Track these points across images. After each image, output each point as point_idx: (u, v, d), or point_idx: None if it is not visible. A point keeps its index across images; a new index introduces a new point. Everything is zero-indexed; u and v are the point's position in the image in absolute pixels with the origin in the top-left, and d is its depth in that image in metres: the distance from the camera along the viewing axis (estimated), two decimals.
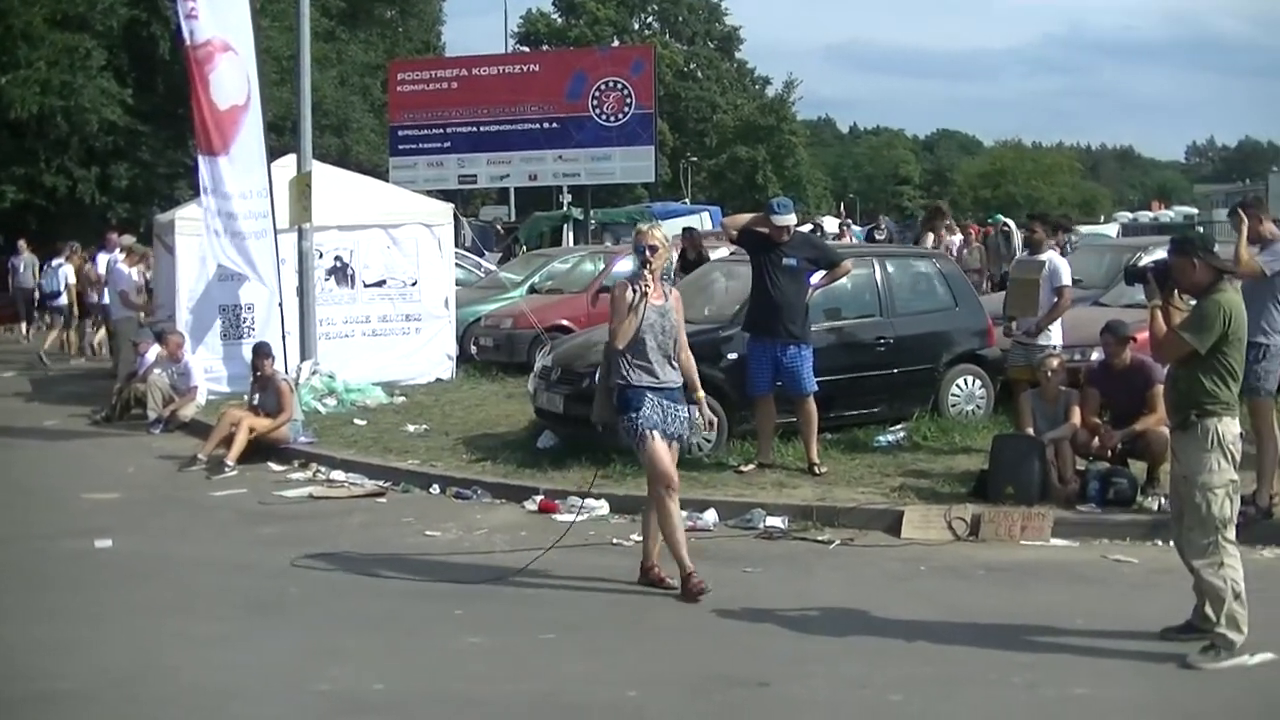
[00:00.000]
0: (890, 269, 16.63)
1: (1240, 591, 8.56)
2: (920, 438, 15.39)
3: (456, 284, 23.31)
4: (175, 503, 14.54)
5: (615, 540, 12.14)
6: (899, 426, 15.71)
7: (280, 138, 21.71)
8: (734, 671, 8.67)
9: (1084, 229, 43.98)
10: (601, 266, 24.49)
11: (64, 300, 29.54)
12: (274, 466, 16.12)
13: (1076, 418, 13.16)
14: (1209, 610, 8.65)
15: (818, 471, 13.98)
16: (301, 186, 19.55)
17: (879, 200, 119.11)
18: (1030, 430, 13.30)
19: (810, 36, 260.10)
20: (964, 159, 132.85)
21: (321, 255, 20.77)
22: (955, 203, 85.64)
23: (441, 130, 39.89)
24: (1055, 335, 14.71)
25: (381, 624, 9.85)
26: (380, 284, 21.67)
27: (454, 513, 13.58)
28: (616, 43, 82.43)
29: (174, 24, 41.81)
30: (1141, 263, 10.34)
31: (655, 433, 10.28)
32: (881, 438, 15.41)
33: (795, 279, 14.10)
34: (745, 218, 15.01)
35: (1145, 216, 59.08)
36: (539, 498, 13.64)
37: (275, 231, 19.06)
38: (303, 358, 19.55)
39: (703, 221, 45.03)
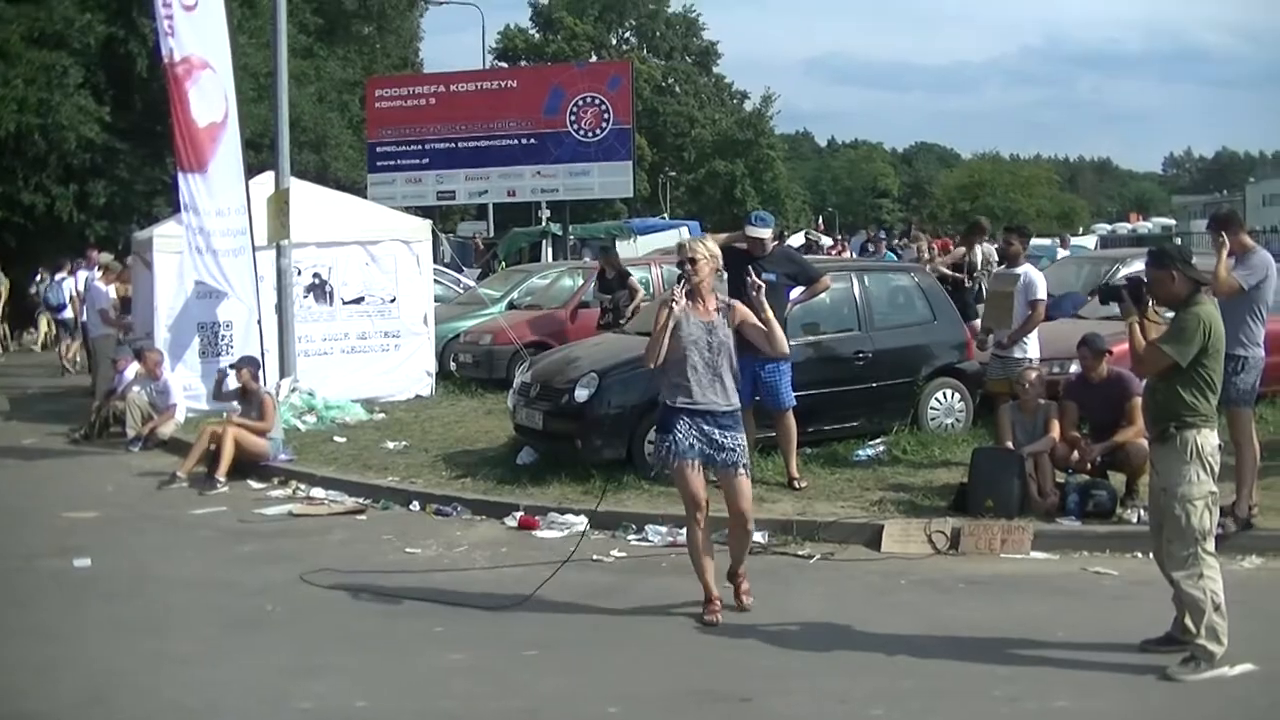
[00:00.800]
0: (869, 283, 16.66)
1: (1220, 603, 8.58)
2: (900, 451, 15.40)
3: (435, 300, 23.33)
4: (154, 521, 14.51)
5: (595, 556, 12.12)
6: (878, 440, 15.72)
7: (258, 155, 21.71)
8: (715, 687, 8.68)
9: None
10: (580, 282, 24.48)
11: (69, 313, 29.57)
12: (254, 484, 16.09)
13: (1055, 431, 13.20)
14: (1189, 622, 8.67)
15: (797, 486, 14.00)
16: (279, 203, 19.53)
17: (858, 213, 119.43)
18: (1009, 443, 13.32)
19: (788, 50, 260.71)
20: (942, 171, 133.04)
21: (300, 272, 20.74)
22: (934, 215, 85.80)
23: (420, 146, 39.83)
24: (1032, 348, 14.77)
25: (363, 641, 9.83)
26: (359, 301, 21.65)
27: (434, 530, 13.57)
28: (594, 58, 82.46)
29: (152, 42, 41.93)
30: (1115, 279, 10.39)
31: (688, 458, 10.11)
32: (861, 451, 15.43)
33: (774, 294, 14.04)
34: (723, 236, 15.02)
35: (1123, 228, 59.30)
36: (519, 514, 13.63)
37: (254, 249, 19.03)
38: (282, 375, 19.53)
39: (681, 236, 45.08)
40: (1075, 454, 13.04)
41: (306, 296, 21.11)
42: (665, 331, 10.13)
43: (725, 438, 10.07)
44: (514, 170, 39.13)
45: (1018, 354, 14.67)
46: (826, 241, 44.23)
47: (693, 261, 10.19)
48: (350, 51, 62.44)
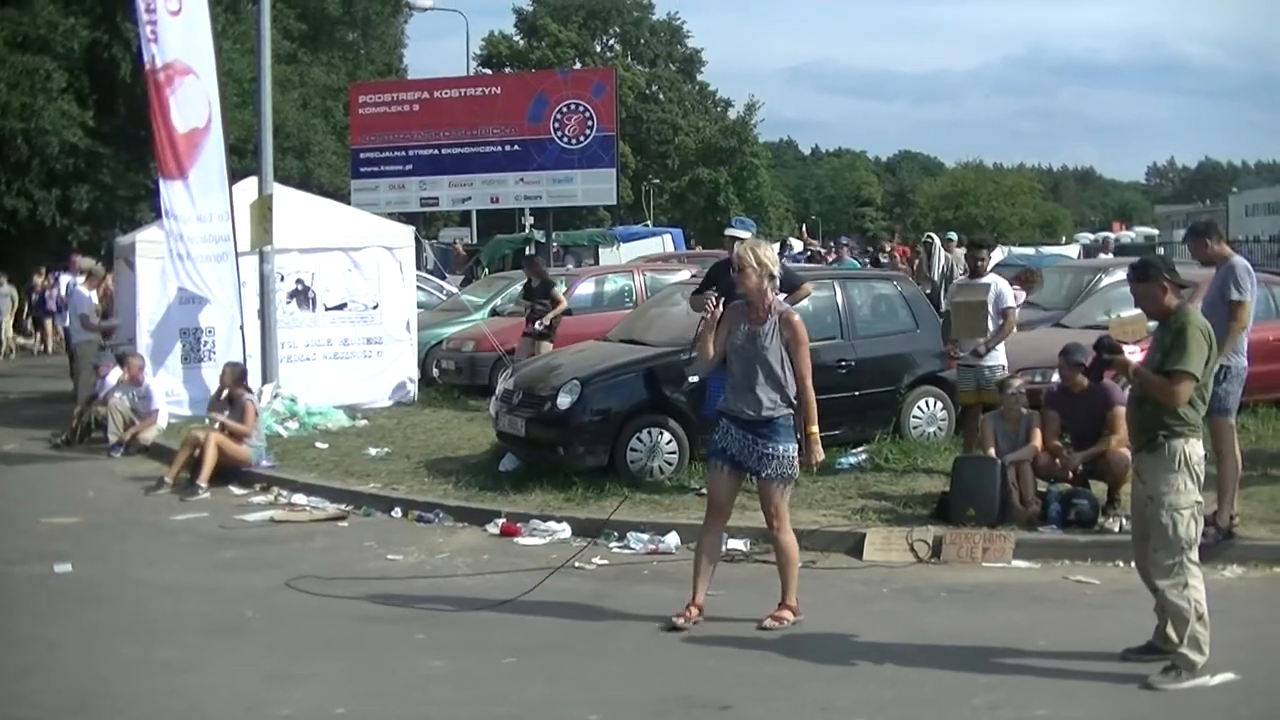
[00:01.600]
0: (851, 291, 16.69)
1: (1203, 613, 8.59)
2: (882, 460, 15.41)
3: (418, 307, 23.31)
4: (136, 527, 14.48)
5: (577, 564, 12.12)
6: (860, 449, 15.72)
7: (241, 160, 21.72)
8: (696, 694, 8.67)
9: (1048, 250, 43.98)
10: (563, 289, 24.47)
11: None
12: (235, 490, 16.07)
13: (1037, 440, 13.22)
14: (1171, 631, 8.68)
15: None
16: (263, 209, 19.53)
17: (841, 222, 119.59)
18: (992, 452, 13.33)
19: (772, 59, 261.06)
20: (926, 180, 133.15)
21: (283, 278, 20.75)
22: (917, 224, 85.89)
23: (403, 153, 39.77)
24: (1001, 356, 14.84)
25: (343, 648, 9.82)
26: (341, 307, 21.65)
27: (416, 536, 13.57)
28: (578, 65, 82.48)
29: (135, 47, 41.93)
30: (1098, 286, 10.36)
31: (716, 460, 10.22)
32: (843, 460, 15.41)
33: None
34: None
35: (1107, 237, 59.29)
36: (501, 521, 13.63)
37: (236, 254, 19.02)
38: (264, 381, 19.53)
39: (664, 244, 45.14)
40: (1057, 463, 13.07)
41: (289, 302, 21.10)
42: (704, 339, 10.39)
43: (759, 444, 10.03)
44: (497, 177, 39.06)
45: (990, 363, 14.72)
46: (797, 247, 44.25)
47: (740, 270, 10.14)
48: (334, 57, 62.46)
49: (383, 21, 68.30)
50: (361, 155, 40.54)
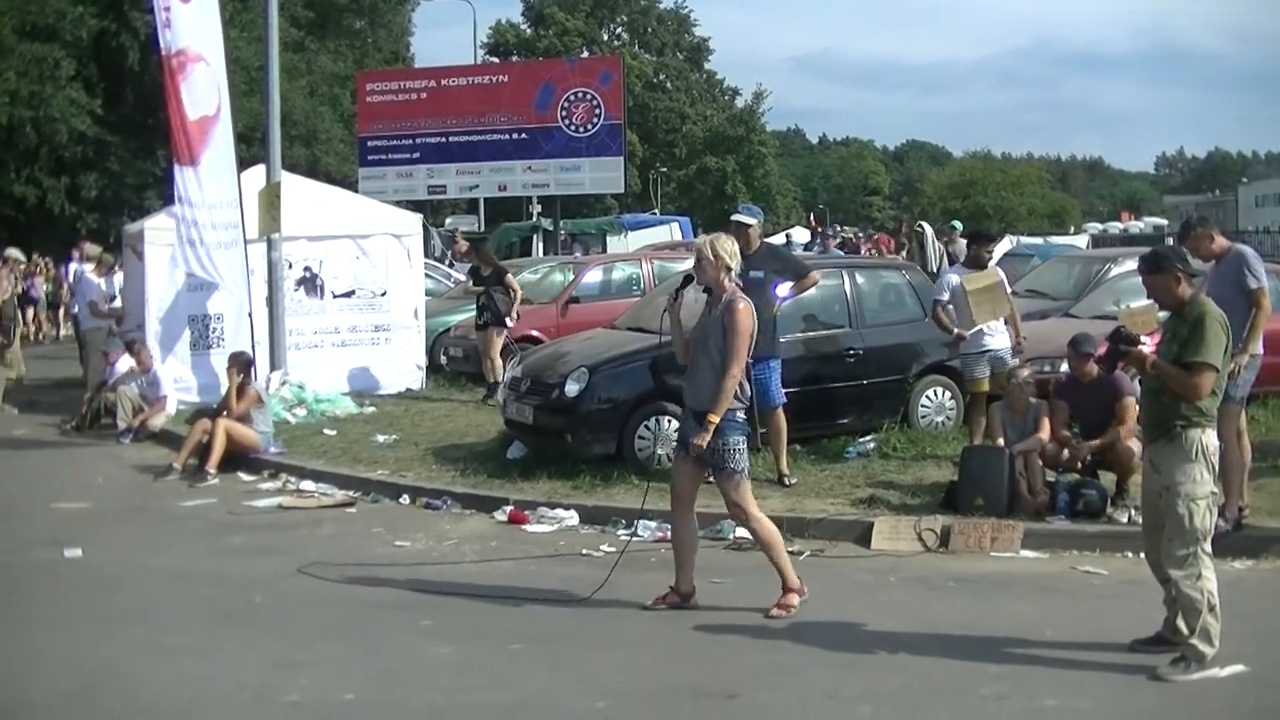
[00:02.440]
0: (859, 280, 16.66)
1: (1215, 604, 8.56)
2: (890, 449, 15.37)
3: (426, 294, 23.29)
4: (144, 513, 14.50)
5: (585, 551, 12.16)
6: (868, 438, 15.70)
7: (249, 148, 21.78)
8: (702, 683, 8.67)
9: (1056, 240, 43.85)
10: (571, 277, 24.47)
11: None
12: (244, 476, 16.08)
13: (1045, 430, 13.20)
14: (1181, 623, 8.65)
15: (787, 483, 13.99)
16: (270, 197, 19.54)
17: (849, 211, 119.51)
18: (1000, 441, 13.32)
19: (779, 47, 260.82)
20: (933, 170, 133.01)
21: (290, 266, 20.76)
22: (925, 213, 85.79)
23: (410, 141, 39.84)
24: (1009, 340, 14.96)
25: (350, 634, 9.82)
26: (349, 294, 21.64)
27: (423, 523, 13.57)
28: (585, 53, 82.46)
29: (144, 35, 42.15)
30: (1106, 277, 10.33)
31: (679, 449, 10.34)
32: (851, 449, 15.42)
33: (761, 292, 14.06)
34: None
35: (1115, 227, 59.20)
36: (508, 508, 13.63)
37: (245, 242, 19.03)
38: (272, 368, 19.53)
39: (672, 232, 45.09)
40: (1065, 453, 13.04)
41: (297, 290, 21.09)
42: (674, 333, 10.41)
43: (692, 430, 10.08)
44: (505, 165, 39.16)
45: (999, 347, 14.78)
46: (802, 239, 44.24)
47: (697, 262, 10.24)
48: (341, 45, 62.53)
49: (390, 9, 68.40)
50: (369, 143, 40.62)
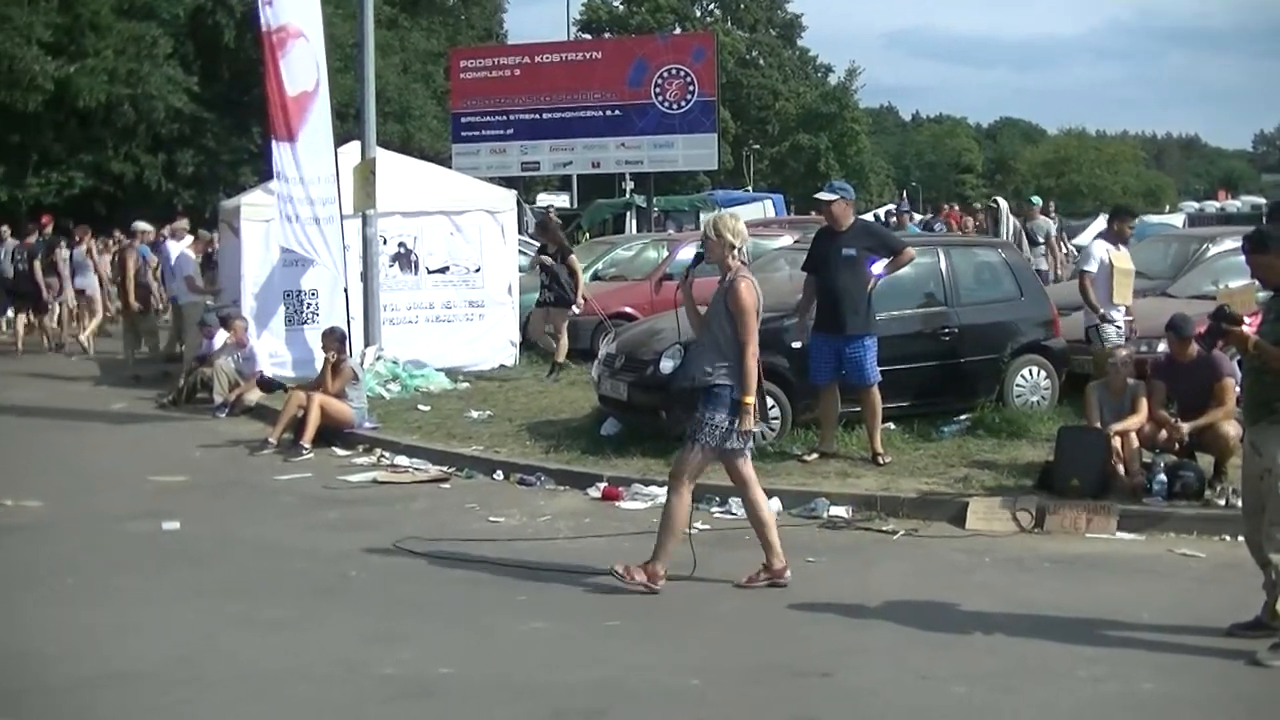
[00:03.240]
0: (955, 258, 16.54)
1: None
2: (984, 428, 15.29)
3: (519, 270, 23.34)
4: (240, 486, 14.67)
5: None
6: (963, 417, 15.62)
7: (343, 124, 21.90)
8: (796, 661, 8.67)
9: (1151, 219, 43.29)
10: (664, 254, 24.46)
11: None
12: (338, 451, 16.20)
13: (1143, 410, 13.07)
14: None
15: (881, 461, 13.93)
16: (365, 173, 19.66)
17: (941, 189, 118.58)
18: (1097, 423, 13.21)
19: (872, 24, 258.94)
20: (1027, 147, 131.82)
21: (385, 241, 20.88)
22: (1019, 191, 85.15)
23: (504, 117, 39.89)
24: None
25: (445, 609, 9.91)
26: (444, 270, 21.72)
27: (517, 499, 13.63)
28: (678, 30, 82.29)
29: (239, 13, 42.50)
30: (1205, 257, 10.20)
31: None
32: (946, 428, 15.35)
33: (854, 269, 14.02)
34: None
35: (1211, 206, 58.43)
36: (602, 485, 13.66)
37: (341, 217, 19.17)
38: (367, 343, 19.66)
39: (765, 209, 45.00)
40: (1163, 434, 12.92)
41: (392, 265, 21.22)
42: (687, 309, 10.64)
43: (698, 411, 10.18)
44: (598, 141, 39.12)
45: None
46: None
47: (704, 241, 10.51)
48: (434, 22, 62.78)
49: None
50: (462, 120, 40.71)
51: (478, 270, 21.81)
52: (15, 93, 35.33)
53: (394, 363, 19.94)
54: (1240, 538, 9.37)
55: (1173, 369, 13.17)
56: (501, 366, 21.57)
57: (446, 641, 9.09)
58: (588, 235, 38.17)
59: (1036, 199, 30.57)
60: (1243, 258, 9.16)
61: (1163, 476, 12.45)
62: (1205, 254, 20.17)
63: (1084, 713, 7.87)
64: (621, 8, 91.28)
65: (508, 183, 30.33)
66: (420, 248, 21.58)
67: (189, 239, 24.38)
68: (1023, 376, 16.21)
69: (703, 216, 42.77)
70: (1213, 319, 9.17)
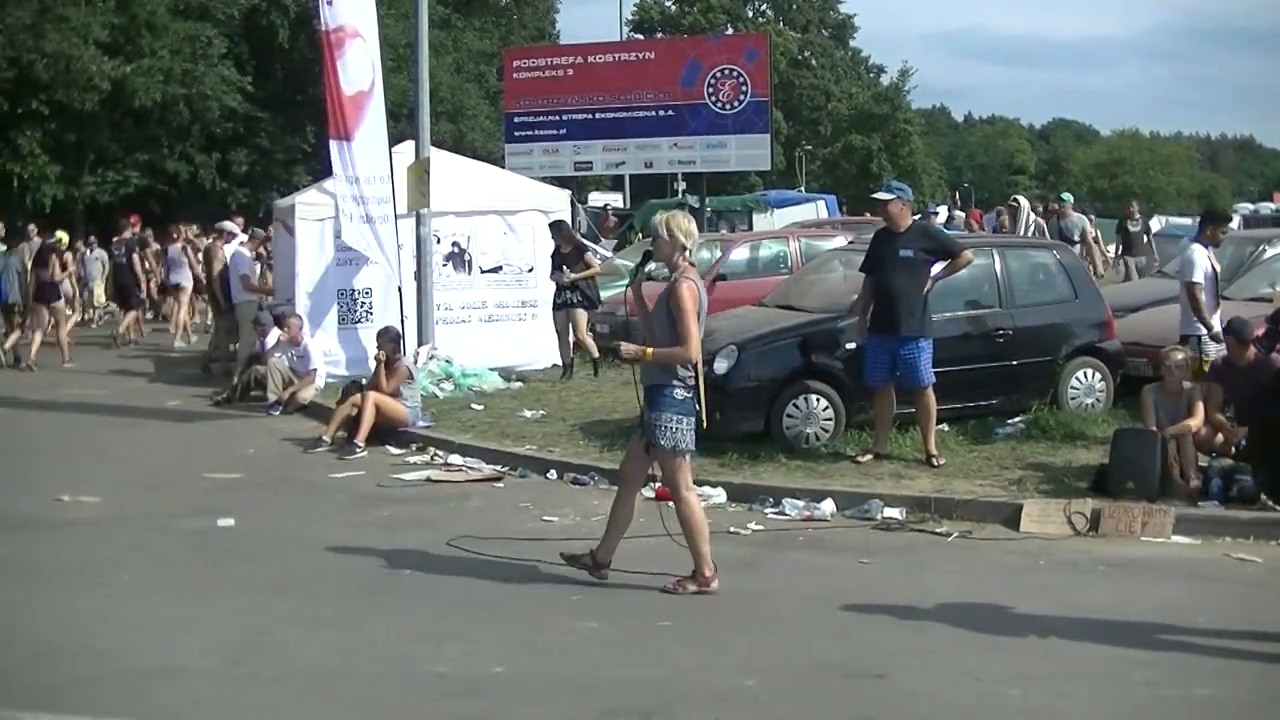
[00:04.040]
0: (1010, 260, 16.47)
1: None
2: (1039, 430, 15.20)
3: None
4: (294, 484, 14.73)
5: (732, 529, 12.15)
6: (1018, 419, 15.55)
7: (396, 124, 22.04)
8: (850, 662, 8.65)
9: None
10: (718, 254, 24.44)
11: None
12: (392, 450, 16.24)
13: (1199, 413, 12.99)
14: None
15: (935, 463, 13.90)
16: (419, 172, 19.73)
17: (993, 190, 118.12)
18: (1153, 425, 13.14)
19: (924, 25, 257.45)
20: (1080, 149, 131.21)
21: (439, 240, 20.95)
22: (1072, 193, 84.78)
23: (557, 117, 39.92)
24: None
25: (498, 608, 9.91)
26: (497, 270, 21.77)
27: (570, 498, 13.65)
28: (730, 30, 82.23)
29: (293, 13, 42.71)
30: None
31: (636, 428, 10.62)
32: (1000, 430, 15.29)
33: (912, 270, 13.99)
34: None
35: (1267, 208, 58.00)
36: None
37: (395, 217, 19.26)
38: (420, 343, 19.73)
39: (818, 210, 44.85)
40: (1219, 437, 12.84)
41: (445, 265, 21.28)
42: (638, 309, 10.71)
43: (646, 412, 10.30)
44: (651, 142, 39.11)
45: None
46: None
47: (654, 239, 10.58)
48: (487, 23, 62.91)
49: None
50: (515, 119, 40.76)
51: (531, 270, 21.81)
52: (73, 92, 35.57)
53: (447, 362, 19.98)
54: None
55: (1230, 372, 13.11)
56: (554, 366, 21.56)
57: (498, 640, 9.09)
58: (640, 235, 38.09)
59: (1067, 196, 30.39)
60: None
61: (1219, 480, 12.39)
62: (1262, 256, 20.00)
63: (1139, 718, 7.82)
64: (674, 8, 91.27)
65: (560, 182, 30.35)
66: (474, 247, 21.63)
67: (242, 237, 24.54)
68: (1077, 379, 16.13)
69: (756, 217, 42.76)
70: (1271, 322, 9.13)
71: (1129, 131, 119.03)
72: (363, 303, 20.81)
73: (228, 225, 25.79)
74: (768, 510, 12.76)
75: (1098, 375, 16.22)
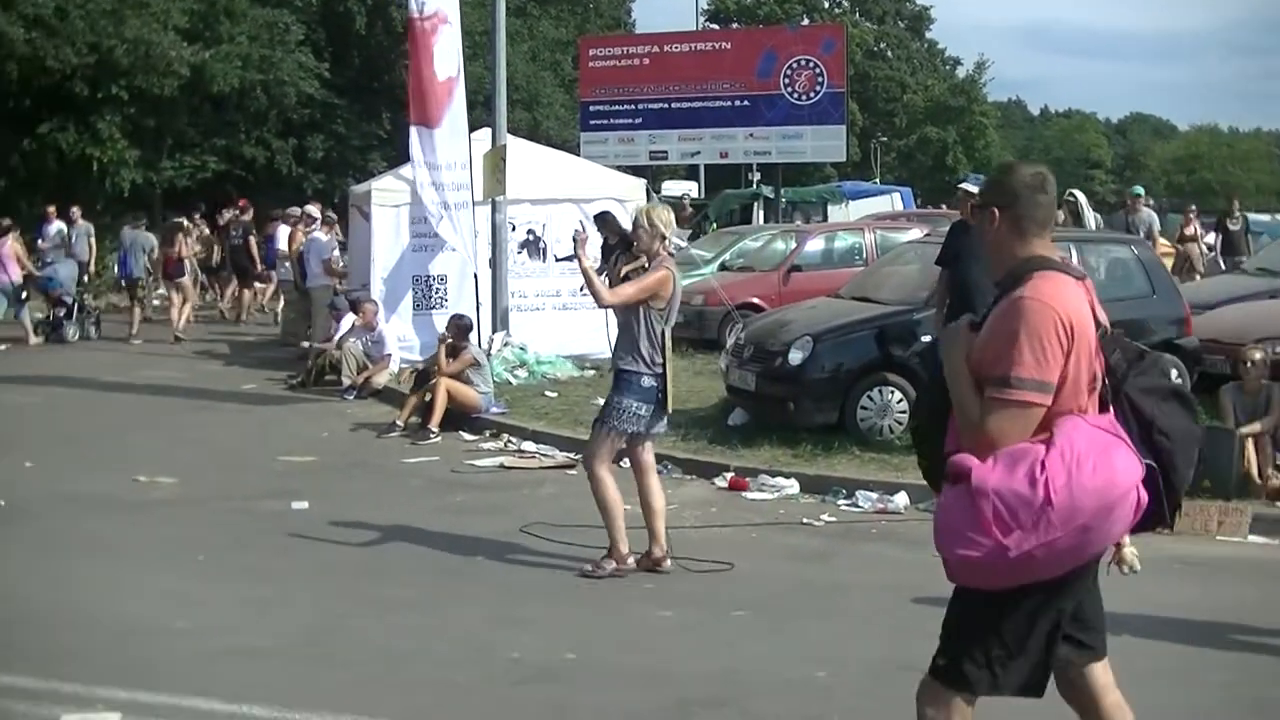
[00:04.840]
0: (1087, 254, 16.35)
1: None
2: None
3: None
4: (368, 468, 14.81)
5: (805, 520, 12.14)
6: None
7: (472, 112, 22.05)
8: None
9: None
10: (792, 245, 24.42)
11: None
12: (465, 436, 16.32)
13: (1277, 412, 12.88)
14: None
15: None
16: (496, 160, 19.78)
17: (1070, 185, 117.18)
18: (1230, 423, 13.03)
19: (1002, 17, 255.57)
20: (1157, 143, 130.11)
21: (514, 228, 21.00)
22: (1149, 189, 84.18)
23: (632, 106, 39.90)
24: None
25: (571, 595, 9.95)
26: (571, 258, 21.72)
27: None
28: (806, 21, 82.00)
29: (370, 1, 42.86)
30: None
31: None
32: None
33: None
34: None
35: None
36: (729, 475, 13.67)
37: (473, 203, 19.34)
38: (494, 329, 19.78)
39: (893, 202, 44.75)
40: None
41: (520, 252, 21.34)
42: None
43: (609, 395, 10.64)
44: (726, 132, 39.07)
45: None
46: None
47: (633, 230, 10.82)
48: (562, 11, 62.90)
49: None
50: (591, 108, 40.79)
51: None
52: (152, 78, 35.71)
53: (521, 349, 20.03)
54: None
55: None
56: None
57: (571, 627, 9.13)
58: (715, 225, 38.09)
59: (1138, 189, 30.00)
60: None
61: None
62: None
63: (1215, 718, 7.76)
64: None
65: (635, 171, 30.38)
66: (548, 235, 21.66)
67: (319, 222, 24.69)
68: None
69: (830, 208, 42.68)
70: None
71: (1207, 126, 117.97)
72: (437, 289, 20.89)
73: (310, 210, 25.97)
74: (841, 502, 12.74)
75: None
